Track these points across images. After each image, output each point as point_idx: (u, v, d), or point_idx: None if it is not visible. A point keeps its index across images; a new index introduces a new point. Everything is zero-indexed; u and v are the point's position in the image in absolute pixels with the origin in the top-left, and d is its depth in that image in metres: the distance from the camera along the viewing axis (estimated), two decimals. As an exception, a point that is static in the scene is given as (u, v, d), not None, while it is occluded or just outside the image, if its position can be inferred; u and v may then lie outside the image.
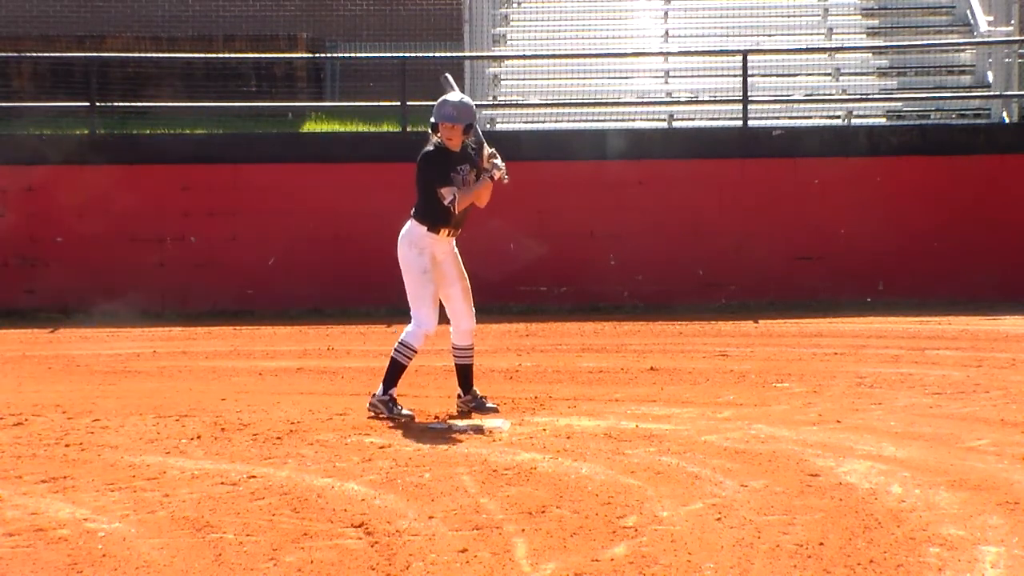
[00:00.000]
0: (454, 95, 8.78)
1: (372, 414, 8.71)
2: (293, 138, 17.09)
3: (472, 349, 8.99)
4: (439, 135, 8.68)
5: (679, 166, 14.68)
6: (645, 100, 16.87)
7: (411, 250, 8.74)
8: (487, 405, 8.91)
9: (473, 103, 8.89)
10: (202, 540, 6.08)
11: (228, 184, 14.70)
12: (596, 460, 7.36)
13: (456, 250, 8.90)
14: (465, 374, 8.99)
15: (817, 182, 14.59)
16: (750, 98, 15.18)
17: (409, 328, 8.76)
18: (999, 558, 5.64)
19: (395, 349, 8.76)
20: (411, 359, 8.78)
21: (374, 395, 8.76)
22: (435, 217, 8.70)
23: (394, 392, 8.72)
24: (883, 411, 8.66)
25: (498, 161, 8.76)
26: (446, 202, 8.58)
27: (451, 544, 5.93)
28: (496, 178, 8.72)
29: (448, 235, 8.78)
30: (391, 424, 8.50)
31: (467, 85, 17.20)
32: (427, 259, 8.73)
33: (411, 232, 8.75)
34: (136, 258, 14.57)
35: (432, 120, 8.70)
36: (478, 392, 9.00)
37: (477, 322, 9.07)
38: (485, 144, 8.84)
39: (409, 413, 8.68)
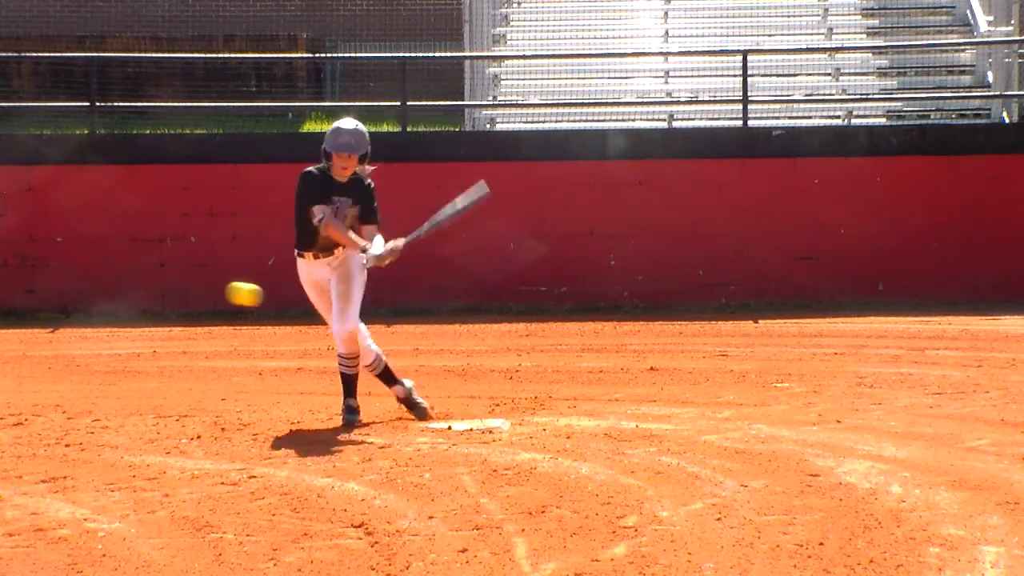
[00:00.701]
0: (347, 122, 8.47)
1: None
2: (293, 138, 17.08)
3: (354, 360, 8.62)
4: (330, 163, 8.40)
5: (679, 166, 14.67)
6: (645, 100, 16.88)
7: (302, 279, 8.64)
8: (348, 417, 8.60)
9: (367, 131, 8.56)
10: (202, 540, 6.07)
11: (228, 184, 14.69)
12: (596, 460, 7.35)
13: (349, 263, 8.49)
14: (345, 383, 8.67)
15: (817, 182, 14.59)
16: (750, 98, 15.18)
17: None
18: (999, 558, 5.64)
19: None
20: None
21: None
22: (301, 240, 8.52)
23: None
24: (883, 411, 8.65)
25: (391, 259, 8.34)
26: (315, 220, 8.29)
27: (451, 544, 5.92)
28: (364, 263, 8.32)
29: (315, 258, 8.50)
30: (391, 424, 8.50)
31: (467, 85, 17.22)
32: (309, 288, 8.59)
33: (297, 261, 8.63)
34: (136, 258, 14.57)
35: (325, 148, 8.39)
36: (353, 404, 8.67)
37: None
38: (382, 244, 8.37)
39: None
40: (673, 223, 14.57)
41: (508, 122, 17.03)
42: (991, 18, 16.99)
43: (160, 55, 20.34)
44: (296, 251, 8.57)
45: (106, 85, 17.17)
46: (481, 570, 5.63)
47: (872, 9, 18.34)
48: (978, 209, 14.47)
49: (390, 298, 14.41)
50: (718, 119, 16.34)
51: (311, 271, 8.56)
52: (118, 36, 21.88)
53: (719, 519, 6.19)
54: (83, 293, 14.42)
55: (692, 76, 17.35)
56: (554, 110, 16.92)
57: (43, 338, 13.35)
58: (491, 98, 17.06)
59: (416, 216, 15.44)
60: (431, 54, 18.69)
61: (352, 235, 8.38)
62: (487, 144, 15.40)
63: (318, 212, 8.31)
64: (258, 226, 14.62)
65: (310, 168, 8.50)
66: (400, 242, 8.43)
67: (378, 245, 8.38)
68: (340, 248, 8.45)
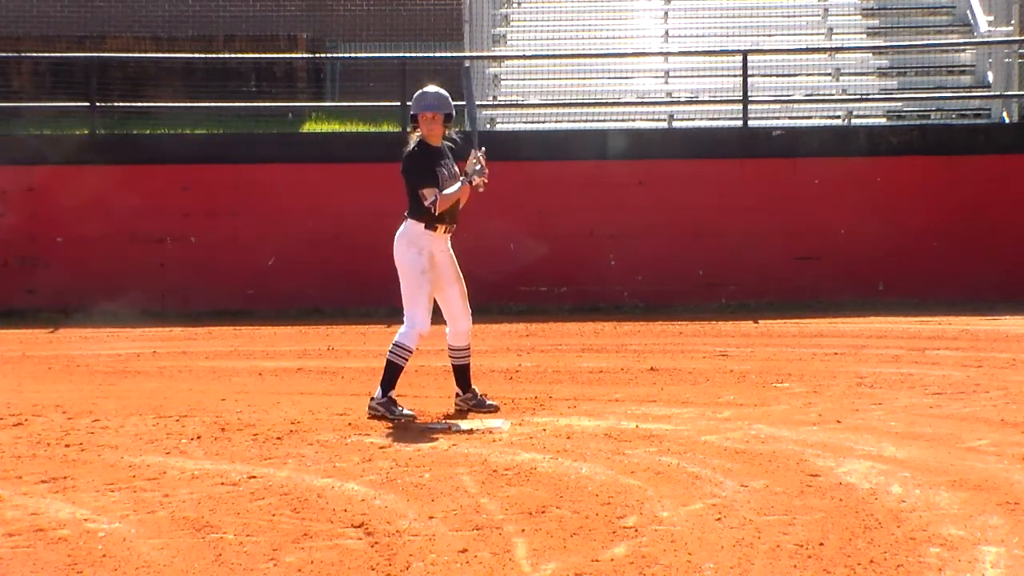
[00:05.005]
0: (430, 87, 8.75)
1: (372, 415, 8.70)
2: (293, 138, 17.08)
3: (470, 349, 8.98)
4: (419, 131, 8.66)
5: (679, 166, 14.67)
6: (645, 100, 16.87)
7: (410, 249, 8.68)
8: (487, 403, 8.91)
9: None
10: (202, 540, 6.07)
11: (228, 184, 14.69)
12: (596, 460, 7.35)
13: (451, 251, 8.86)
14: (464, 374, 8.98)
15: (817, 182, 14.59)
16: (750, 98, 15.18)
17: (403, 329, 8.75)
18: (999, 558, 5.64)
19: (390, 351, 8.73)
20: (407, 360, 8.76)
21: (373, 398, 8.74)
22: (429, 215, 8.65)
23: (393, 394, 8.71)
24: (883, 411, 8.65)
25: (480, 166, 8.60)
26: (427, 203, 8.54)
27: (451, 544, 5.93)
28: (474, 184, 8.58)
29: (445, 231, 8.73)
30: (391, 424, 8.50)
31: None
32: (426, 259, 8.67)
33: (409, 231, 8.70)
34: (136, 258, 14.56)
35: (412, 113, 8.69)
36: (477, 391, 9.00)
37: (476, 322, 9.06)
38: (476, 147, 8.71)
39: (410, 413, 8.67)
40: (673, 223, 14.57)
41: (508, 122, 17.03)
42: (991, 18, 16.98)
43: (160, 55, 20.33)
44: (424, 226, 8.63)
45: (106, 85, 17.17)
46: (481, 570, 5.63)
47: (872, 9, 18.34)
48: (978, 209, 14.46)
49: (390, 298, 14.42)
50: (718, 119, 16.33)
51: (433, 242, 8.69)
52: (118, 36, 21.88)
53: (719, 519, 6.20)
54: (83, 293, 14.41)
55: (692, 76, 17.35)
56: (554, 110, 16.92)
57: (43, 338, 13.35)
58: (491, 98, 17.06)
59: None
60: (431, 54, 18.70)
61: (456, 191, 8.60)
62: (487, 144, 15.29)
63: (429, 195, 8.55)
64: (258, 226, 14.63)
65: (410, 148, 8.67)
66: (479, 151, 8.65)
67: (472, 167, 8.61)
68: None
